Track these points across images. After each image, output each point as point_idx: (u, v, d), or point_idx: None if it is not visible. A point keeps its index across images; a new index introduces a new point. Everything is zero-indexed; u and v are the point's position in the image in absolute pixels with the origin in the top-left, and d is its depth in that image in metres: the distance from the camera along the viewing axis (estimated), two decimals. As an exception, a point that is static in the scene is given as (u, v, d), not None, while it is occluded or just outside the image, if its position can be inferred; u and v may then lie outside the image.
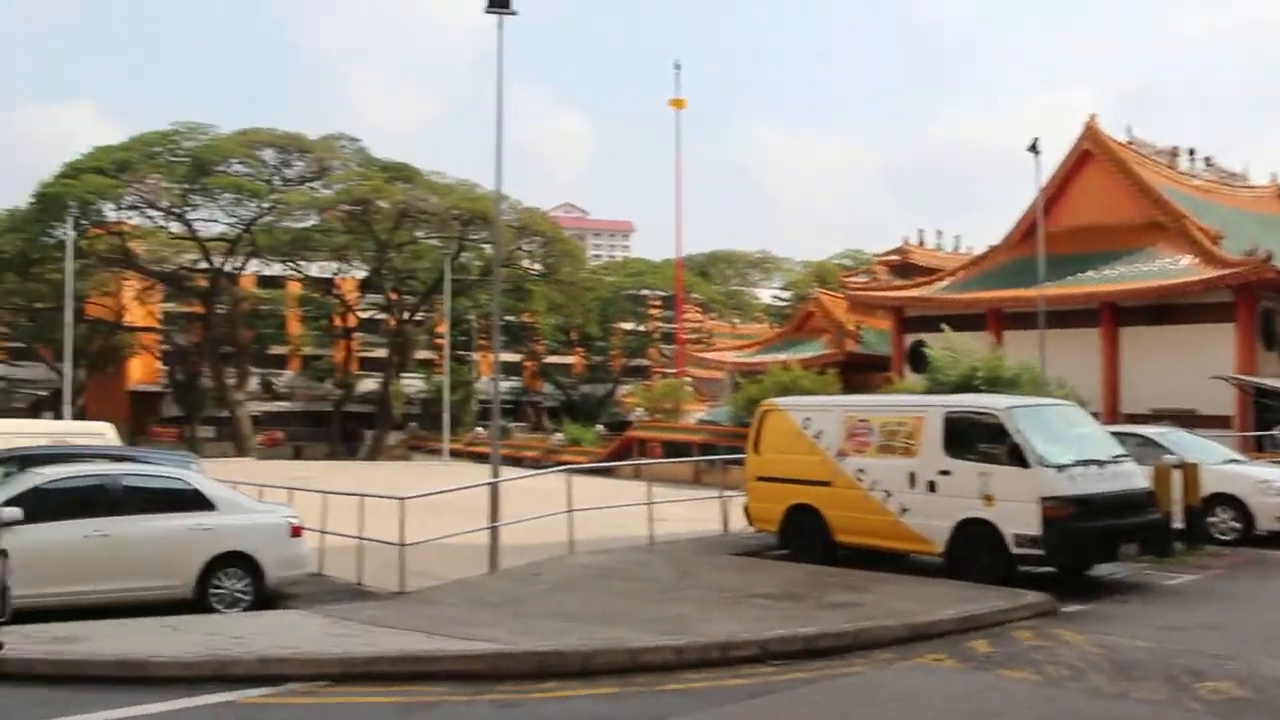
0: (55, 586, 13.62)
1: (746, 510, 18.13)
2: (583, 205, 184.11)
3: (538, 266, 78.07)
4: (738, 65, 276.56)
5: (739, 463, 19.55)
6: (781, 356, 49.32)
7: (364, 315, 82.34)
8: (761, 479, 17.68)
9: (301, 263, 78.07)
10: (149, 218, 71.38)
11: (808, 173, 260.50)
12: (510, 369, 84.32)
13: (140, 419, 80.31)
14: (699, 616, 12.31)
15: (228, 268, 72.59)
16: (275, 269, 79.25)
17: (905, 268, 50.85)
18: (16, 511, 13.51)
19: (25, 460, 17.29)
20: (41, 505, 13.78)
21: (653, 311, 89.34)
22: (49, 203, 65.13)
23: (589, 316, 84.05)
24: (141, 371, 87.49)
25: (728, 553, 17.58)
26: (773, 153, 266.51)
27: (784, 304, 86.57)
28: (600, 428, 66.13)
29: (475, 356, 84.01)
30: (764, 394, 31.81)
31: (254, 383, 79.58)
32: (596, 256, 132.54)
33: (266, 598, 14.64)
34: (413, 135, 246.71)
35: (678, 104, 65.43)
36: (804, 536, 16.73)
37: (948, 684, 9.64)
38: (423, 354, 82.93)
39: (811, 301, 56.58)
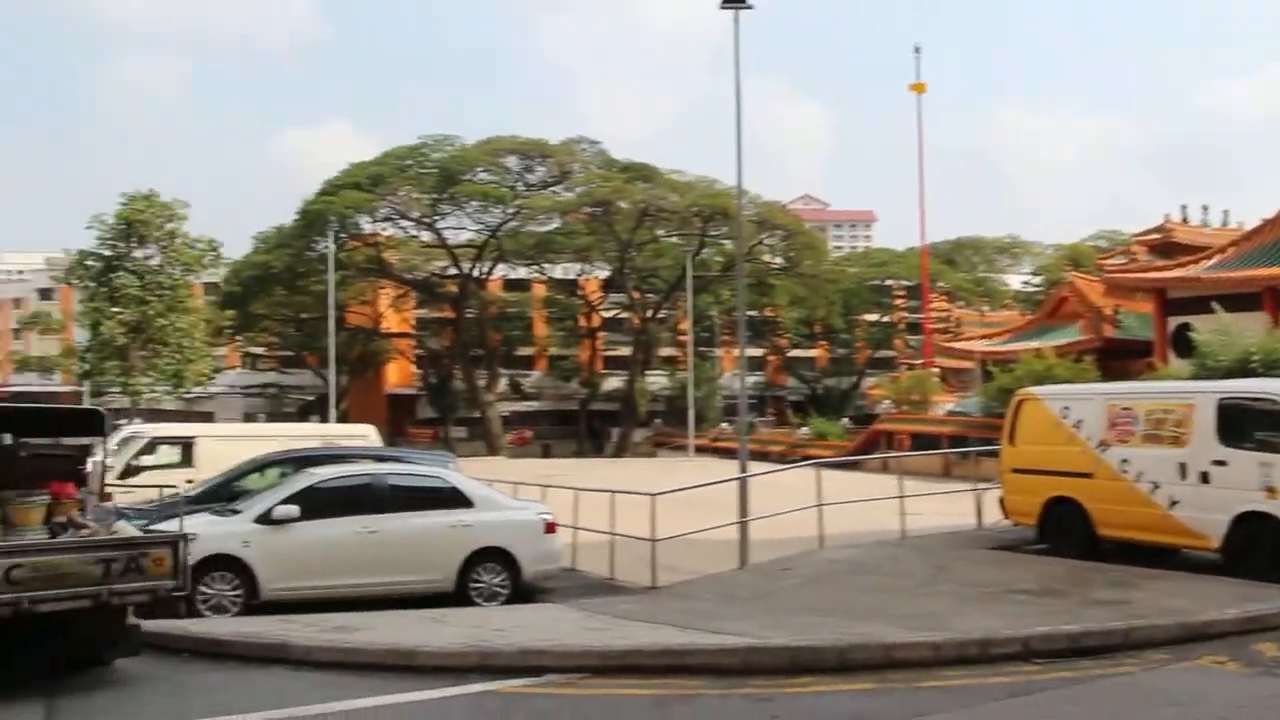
0: (328, 579, 14.47)
1: (1002, 503, 17.60)
2: (822, 196, 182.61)
3: (779, 260, 77.79)
4: (979, 47, 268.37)
5: (992, 455, 18.99)
6: (1034, 344, 47.55)
7: (608, 315, 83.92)
8: (1018, 471, 17.13)
9: (546, 265, 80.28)
10: (401, 228, 74.89)
11: (1056, 153, 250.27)
12: (753, 364, 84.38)
13: (397, 421, 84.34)
14: (955, 612, 12.04)
15: (476, 273, 75.36)
16: (521, 272, 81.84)
17: (1166, 247, 48.12)
18: (294, 509, 14.52)
19: (300, 461, 18.41)
20: (315, 503, 14.72)
21: (897, 302, 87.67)
22: (311, 219, 69.20)
23: (832, 309, 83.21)
24: (397, 375, 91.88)
25: (983, 547, 17.12)
26: (1017, 135, 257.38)
27: (1035, 290, 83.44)
28: (846, 421, 65.42)
29: (718, 352, 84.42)
30: (1017, 384, 30.76)
31: (503, 383, 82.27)
32: (838, 248, 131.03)
33: (523, 592, 15.12)
34: (649, 135, 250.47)
35: (918, 88, 63.98)
36: (1064, 530, 16.12)
37: (1230, 689, 9.10)
38: (666, 351, 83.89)
39: (1065, 286, 54.32)
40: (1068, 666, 9.85)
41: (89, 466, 11.76)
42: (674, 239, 75.65)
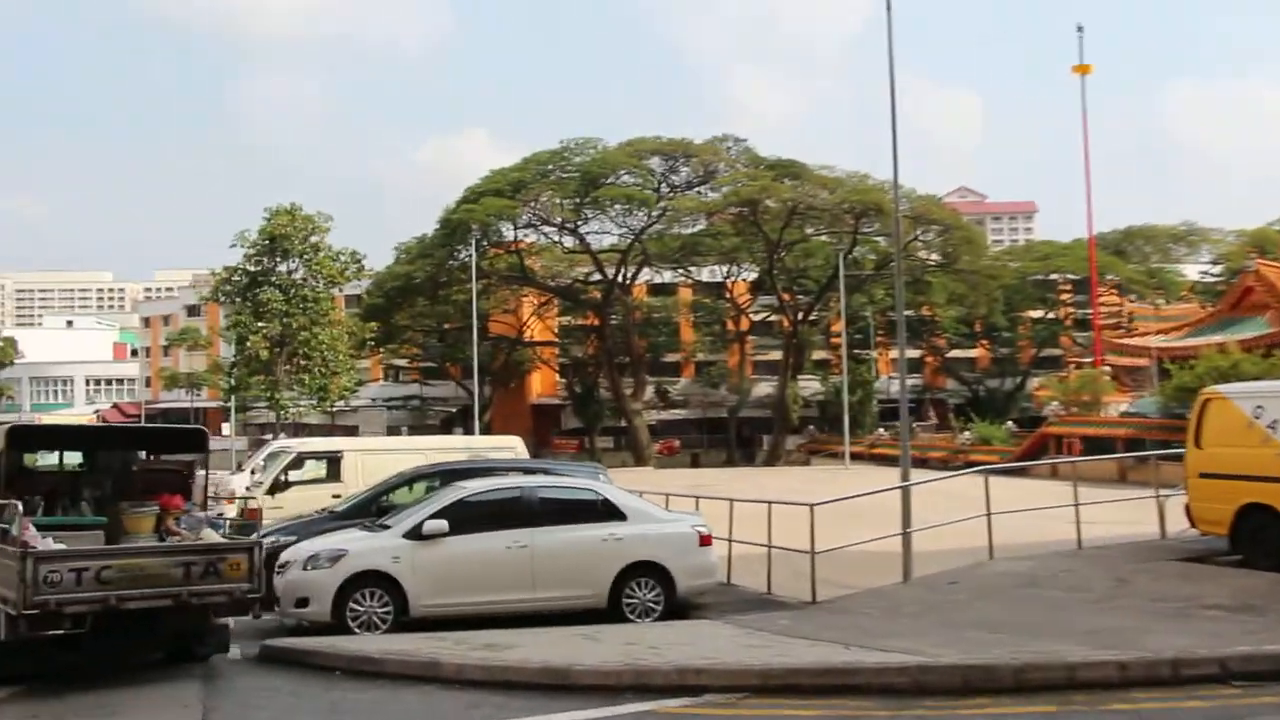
0: (478, 595, 14.67)
1: (1188, 510, 16.90)
2: (978, 188, 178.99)
3: (935, 256, 76.34)
4: (1144, 21, 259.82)
5: (1173, 459, 18.27)
6: (1216, 339, 45.70)
7: (756, 318, 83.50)
8: (1205, 475, 16.42)
9: (692, 268, 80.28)
10: (544, 234, 75.76)
11: (1233, 132, 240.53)
12: (911, 366, 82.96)
13: (542, 431, 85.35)
14: (1141, 629, 11.59)
15: (620, 278, 75.70)
16: (666, 276, 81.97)
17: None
18: (443, 523, 14.76)
19: (447, 474, 18.76)
20: (465, 517, 14.94)
21: (1063, 297, 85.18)
22: (453, 227, 70.45)
23: (993, 306, 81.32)
24: (541, 385, 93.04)
25: (1168, 558, 16.49)
26: (1187, 115, 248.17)
27: (1215, 280, 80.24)
28: (1010, 424, 63.83)
29: (873, 355, 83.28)
30: (1198, 381, 29.62)
31: (649, 391, 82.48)
32: (997, 241, 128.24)
33: (677, 607, 15.10)
34: (795, 130, 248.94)
35: (1082, 70, 62.03)
36: (1260, 540, 15.38)
37: None
38: (819, 354, 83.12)
39: (1249, 275, 51.99)
40: (1272, 691, 9.35)
41: (195, 480, 13.84)
42: (824, 237, 74.85)
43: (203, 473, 14.11)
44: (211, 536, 12.68)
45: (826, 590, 15.33)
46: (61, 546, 11.66)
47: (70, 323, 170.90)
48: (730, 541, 17.67)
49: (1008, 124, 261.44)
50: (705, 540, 15.61)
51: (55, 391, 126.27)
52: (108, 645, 11.72)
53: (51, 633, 11.16)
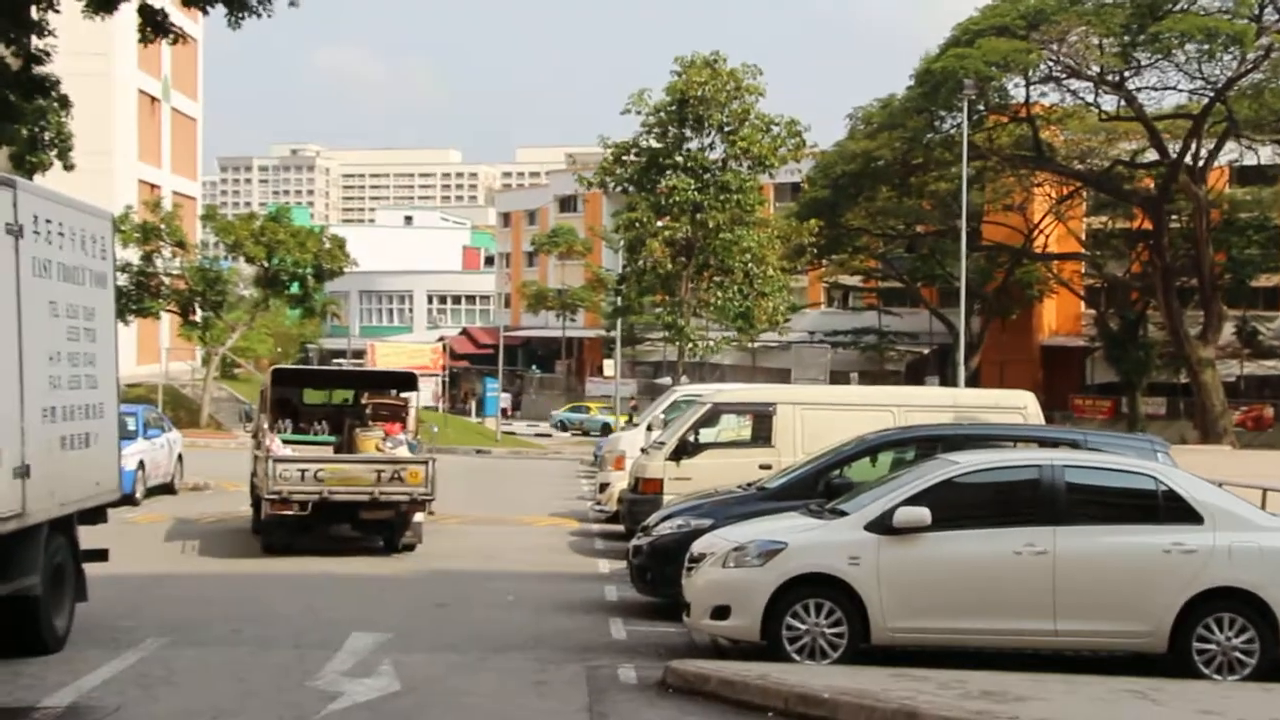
0: (971, 619, 14.68)
1: None
2: None
3: None
4: None
5: None
6: None
7: None
8: None
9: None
10: (1071, 92, 73.71)
11: None
12: None
13: (1057, 386, 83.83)
14: None
15: (1188, 158, 72.86)
16: (1263, 155, 77.94)
17: None
18: (923, 513, 14.67)
19: (926, 442, 18.80)
20: (954, 505, 14.95)
21: None
22: (935, 83, 69.48)
23: None
24: (1059, 318, 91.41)
25: None
26: None
27: None
28: None
29: None
30: None
31: (1228, 331, 79.39)
32: None
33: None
34: None
35: None
36: None
37: None
38: None
39: None
40: None
41: (409, 413, 27.32)
42: None
43: (413, 409, 27.58)
44: (403, 453, 24.86)
45: None
46: (293, 453, 24.72)
47: (409, 219, 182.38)
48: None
49: None
50: (1332, 563, 14.80)
51: (389, 311, 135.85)
52: (327, 525, 25.00)
53: (285, 513, 23.67)
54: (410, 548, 24.87)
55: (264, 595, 19.83)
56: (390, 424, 26.12)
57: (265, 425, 25.82)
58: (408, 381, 28.55)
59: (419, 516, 24.75)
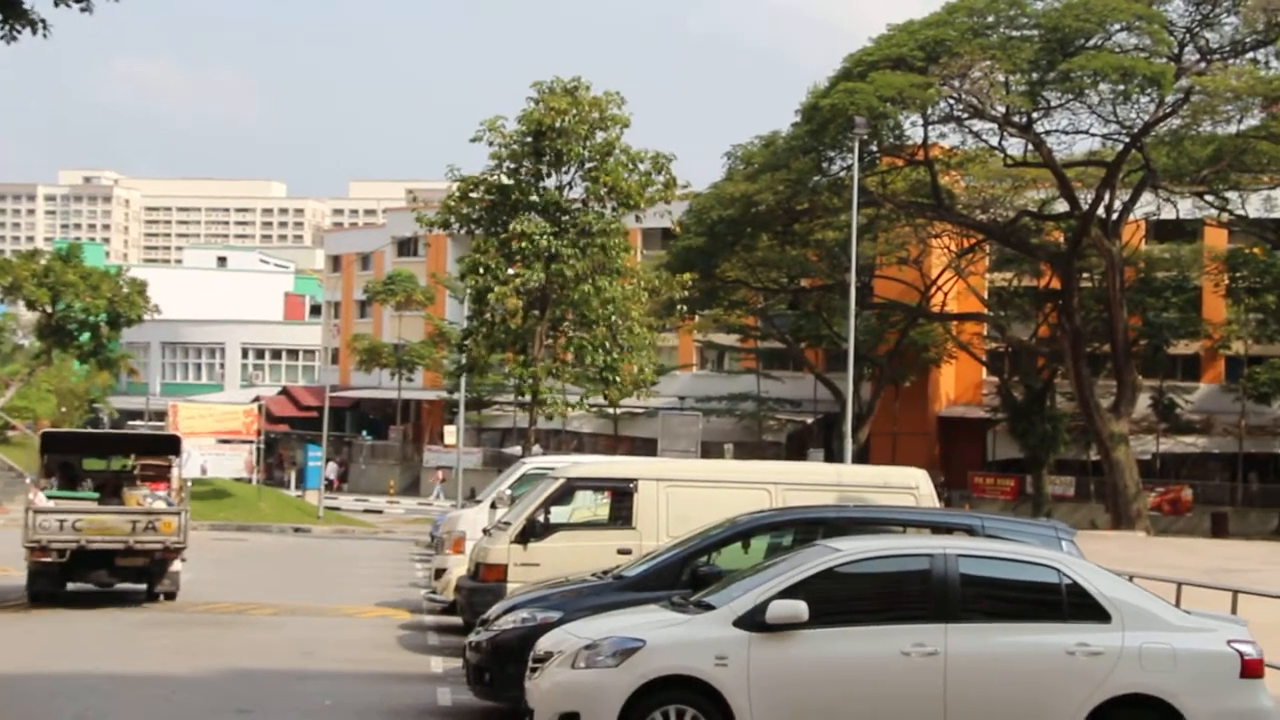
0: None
1: None
2: None
3: None
4: None
5: None
6: None
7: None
8: None
9: (1229, 195, 77.29)
10: (974, 134, 74.64)
11: None
12: None
13: (955, 462, 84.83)
14: None
15: (1101, 209, 73.98)
16: (1182, 208, 79.21)
17: None
18: (799, 607, 14.67)
19: (806, 526, 18.88)
20: (835, 599, 15.03)
21: None
22: (824, 120, 69.89)
23: None
24: (956, 386, 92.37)
25: None
26: None
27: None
28: None
29: None
30: None
31: (1142, 404, 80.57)
32: None
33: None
34: None
35: None
36: None
37: None
38: None
39: None
40: None
41: (174, 472, 34.68)
42: None
43: (177, 469, 34.92)
44: (157, 506, 31.18)
45: None
46: (53, 505, 30.32)
47: (223, 260, 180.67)
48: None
49: None
50: (1252, 666, 15.04)
51: (197, 367, 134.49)
52: (83, 575, 30.50)
53: (44, 560, 29.25)
54: (171, 596, 31.15)
55: (29, 707, 19.18)
56: (156, 483, 33.78)
57: (30, 483, 33.62)
58: (171, 444, 36.49)
59: (176, 565, 30.92)
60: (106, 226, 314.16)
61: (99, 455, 36.04)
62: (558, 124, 59.68)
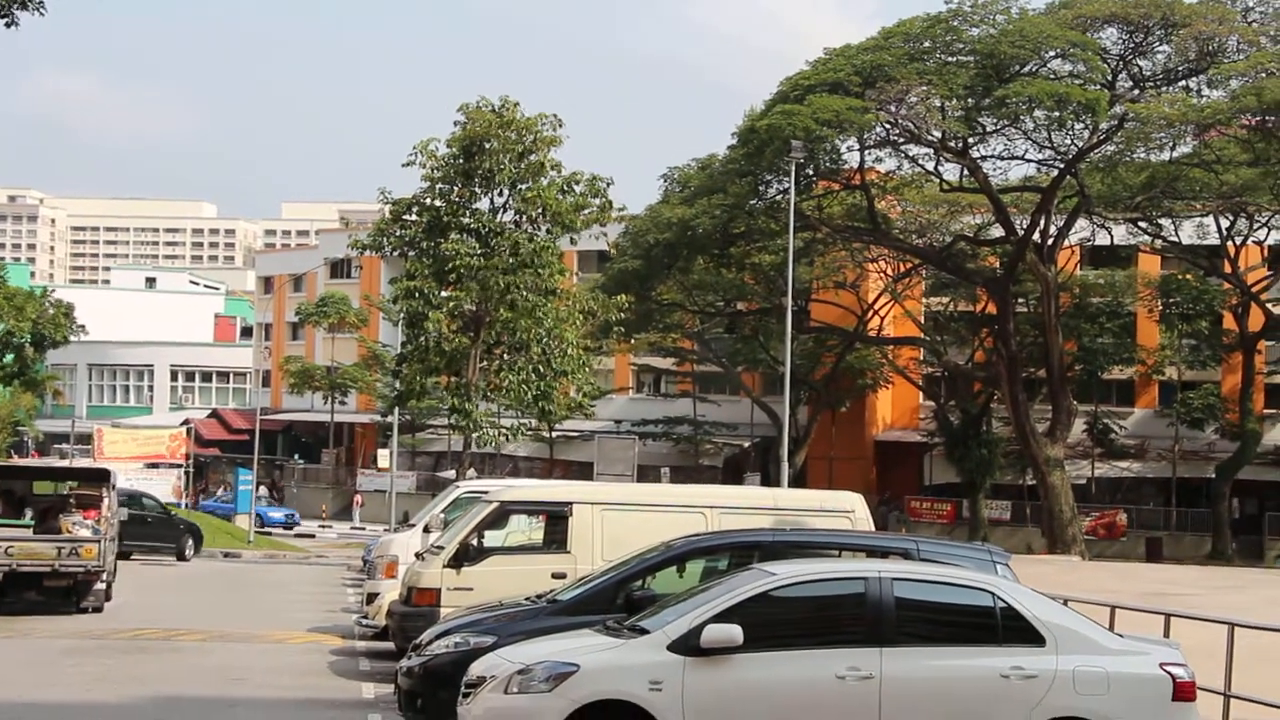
0: (792, 755, 14.67)
1: None
2: None
3: None
4: None
5: None
6: None
7: (1278, 309, 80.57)
8: None
9: (1163, 221, 77.88)
10: (911, 158, 74.97)
11: None
12: None
13: (892, 486, 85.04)
14: None
15: (1037, 235, 74.35)
16: (1117, 234, 79.76)
17: None
18: (734, 631, 14.72)
19: (741, 550, 18.91)
20: (770, 622, 15.05)
21: None
22: (760, 143, 70.03)
23: None
24: (893, 411, 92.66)
25: None
26: None
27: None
28: None
29: None
30: None
31: (1078, 429, 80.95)
32: None
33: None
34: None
35: None
36: None
37: None
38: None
39: None
40: None
41: (105, 501, 37.09)
42: None
43: (108, 499, 36.91)
44: (84, 534, 34.45)
45: None
46: None
47: (152, 280, 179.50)
48: (1228, 696, 17.34)
49: None
50: (1184, 689, 15.19)
51: (125, 389, 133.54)
52: (16, 594, 33.73)
53: None
54: (99, 609, 34.71)
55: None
56: (88, 510, 36.67)
57: None
58: (100, 475, 39.86)
59: (99, 585, 34.87)
60: (32, 246, 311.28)
61: (53, 484, 41.49)
62: (487, 144, 59.45)
